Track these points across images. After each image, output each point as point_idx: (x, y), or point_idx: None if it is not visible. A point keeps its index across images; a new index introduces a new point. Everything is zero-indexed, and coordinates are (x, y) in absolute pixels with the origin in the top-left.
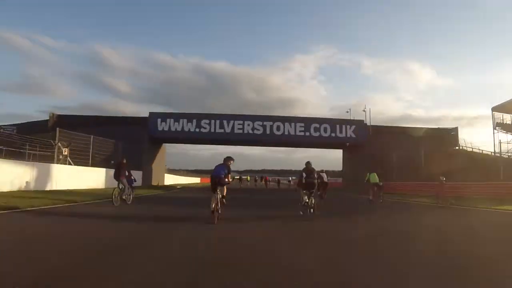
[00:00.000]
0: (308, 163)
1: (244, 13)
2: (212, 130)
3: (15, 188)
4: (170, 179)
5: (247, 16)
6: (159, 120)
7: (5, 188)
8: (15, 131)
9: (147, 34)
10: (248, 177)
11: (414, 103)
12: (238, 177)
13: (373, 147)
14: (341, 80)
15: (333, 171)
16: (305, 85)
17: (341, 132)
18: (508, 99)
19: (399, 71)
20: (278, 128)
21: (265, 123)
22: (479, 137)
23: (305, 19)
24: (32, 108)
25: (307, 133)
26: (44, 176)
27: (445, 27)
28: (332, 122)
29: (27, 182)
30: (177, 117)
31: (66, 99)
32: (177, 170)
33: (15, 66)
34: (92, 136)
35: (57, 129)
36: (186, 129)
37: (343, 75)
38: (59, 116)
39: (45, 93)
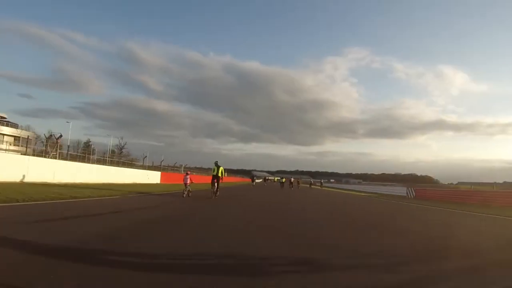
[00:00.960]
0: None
1: (275, 13)
2: None
3: None
4: None
5: (278, 17)
6: None
7: None
8: None
9: (178, 32)
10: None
11: (446, 108)
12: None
13: None
14: (373, 83)
15: None
16: (336, 87)
17: None
18: None
19: (432, 75)
20: None
21: None
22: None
23: (337, 21)
24: (64, 104)
25: None
26: None
27: (480, 31)
28: None
29: None
30: None
31: (98, 96)
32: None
33: (47, 62)
34: None
35: None
36: None
37: (375, 78)
38: None
39: (76, 90)
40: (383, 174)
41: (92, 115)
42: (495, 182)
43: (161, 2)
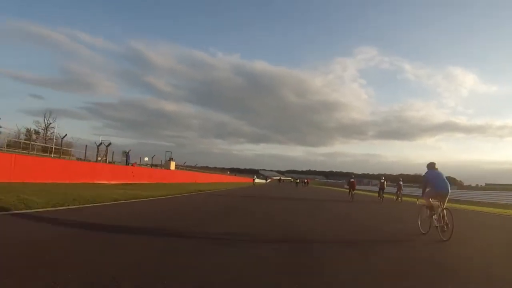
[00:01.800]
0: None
1: (283, 13)
2: None
3: None
4: None
5: (286, 17)
6: None
7: None
8: None
9: (186, 32)
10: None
11: (456, 110)
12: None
13: None
14: (382, 85)
15: None
16: (345, 88)
17: None
18: None
19: (441, 76)
20: None
21: None
22: None
23: (345, 21)
24: (73, 104)
25: None
26: None
27: (490, 32)
28: None
29: None
30: None
31: (107, 96)
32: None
33: (56, 62)
34: None
35: None
36: None
37: (384, 79)
38: None
39: (85, 90)
40: (401, 174)
41: (102, 116)
42: None
43: (167, 2)
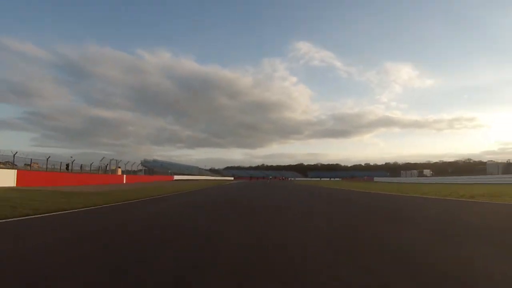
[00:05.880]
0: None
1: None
2: None
3: None
4: None
5: (214, 13)
6: None
7: None
8: None
9: (113, 34)
10: None
11: (391, 105)
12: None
13: None
14: (315, 82)
15: None
16: (276, 87)
17: None
18: None
19: (374, 72)
20: None
21: None
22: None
23: (274, 17)
24: (10, 115)
25: None
26: None
27: (422, 25)
28: None
29: None
30: None
31: (44, 106)
32: None
33: None
34: None
35: None
36: None
37: (316, 77)
38: None
39: (22, 100)
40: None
41: (41, 126)
42: None
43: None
